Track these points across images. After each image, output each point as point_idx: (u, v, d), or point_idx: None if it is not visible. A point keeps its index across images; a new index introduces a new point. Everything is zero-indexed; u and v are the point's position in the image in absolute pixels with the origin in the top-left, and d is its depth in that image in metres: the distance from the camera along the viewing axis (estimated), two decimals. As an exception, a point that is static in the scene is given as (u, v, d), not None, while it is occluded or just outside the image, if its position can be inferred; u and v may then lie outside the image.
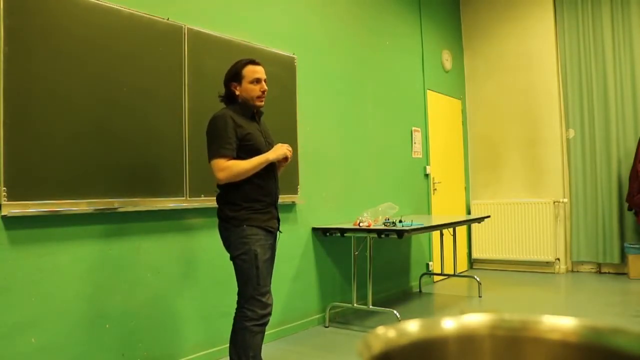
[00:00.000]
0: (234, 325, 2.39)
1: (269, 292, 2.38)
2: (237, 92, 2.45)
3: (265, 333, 2.50)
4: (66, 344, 2.48)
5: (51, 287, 2.44)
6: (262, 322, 2.35)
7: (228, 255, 2.42)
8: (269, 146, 2.48)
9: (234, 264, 2.39)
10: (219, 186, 2.42)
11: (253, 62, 2.47)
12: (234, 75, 2.45)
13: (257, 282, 2.33)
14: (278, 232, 2.54)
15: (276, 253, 2.57)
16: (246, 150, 2.37)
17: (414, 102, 5.47)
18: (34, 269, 2.39)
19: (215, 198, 2.50)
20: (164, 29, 2.95)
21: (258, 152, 2.39)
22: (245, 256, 2.33)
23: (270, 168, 2.45)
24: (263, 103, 2.48)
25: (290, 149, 2.46)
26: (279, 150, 2.41)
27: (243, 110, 2.45)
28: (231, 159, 2.32)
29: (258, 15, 3.64)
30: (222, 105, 2.52)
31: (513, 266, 6.10)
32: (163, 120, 2.92)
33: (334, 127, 4.29)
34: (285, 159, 2.47)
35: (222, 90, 2.53)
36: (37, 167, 2.37)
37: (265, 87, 2.47)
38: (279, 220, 2.55)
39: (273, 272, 2.53)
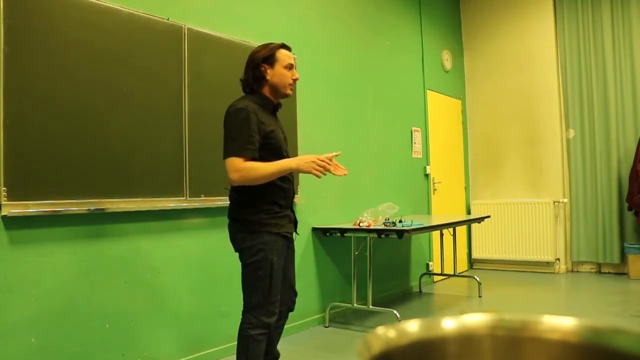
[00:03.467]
0: (239, 329, 2.27)
1: (278, 300, 2.24)
2: (268, 77, 2.22)
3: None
4: (66, 344, 2.48)
5: (51, 287, 2.44)
6: (267, 331, 2.21)
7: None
8: (286, 144, 2.30)
9: (246, 269, 2.22)
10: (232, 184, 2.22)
11: (286, 47, 2.27)
12: (267, 57, 2.21)
13: (269, 292, 2.18)
14: (295, 234, 2.40)
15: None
16: (268, 149, 2.16)
17: (414, 102, 5.47)
18: (34, 269, 2.39)
19: (227, 197, 2.31)
20: (164, 29, 2.95)
21: (279, 150, 2.20)
22: (261, 264, 2.16)
23: None
24: (291, 92, 2.29)
25: (321, 164, 2.12)
26: (306, 166, 2.12)
27: (264, 103, 2.24)
28: (250, 160, 2.10)
29: (258, 15, 3.64)
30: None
31: (513, 266, 6.10)
32: (163, 120, 2.92)
33: (333, 127, 4.29)
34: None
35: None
36: (37, 167, 2.37)
37: (298, 76, 2.29)
38: (296, 223, 2.41)
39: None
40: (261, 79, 2.23)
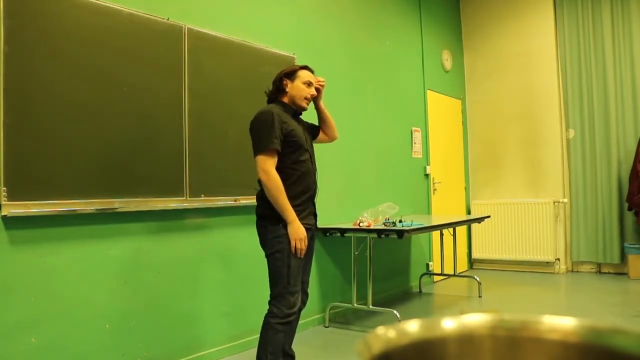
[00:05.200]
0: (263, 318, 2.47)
1: (298, 292, 2.43)
2: (287, 89, 2.54)
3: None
4: (66, 344, 2.48)
5: (51, 287, 2.44)
6: (286, 321, 2.39)
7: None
8: (308, 142, 2.56)
9: (268, 261, 2.44)
10: (259, 182, 2.44)
11: (308, 68, 2.60)
12: (289, 73, 2.56)
13: (287, 281, 2.38)
14: (315, 227, 2.60)
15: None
16: (290, 145, 2.42)
17: (414, 102, 5.47)
18: (34, 269, 2.39)
19: (255, 196, 2.55)
20: (164, 29, 2.95)
21: (300, 148, 2.46)
22: (279, 254, 2.38)
23: (310, 161, 2.52)
24: (307, 106, 2.59)
25: (301, 246, 2.38)
26: (294, 234, 2.36)
27: (284, 108, 2.53)
28: (276, 154, 2.38)
29: (258, 15, 3.64)
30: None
31: (513, 266, 6.10)
32: (163, 120, 2.92)
33: (334, 127, 4.29)
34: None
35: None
36: (37, 167, 2.37)
37: (315, 93, 2.59)
38: (316, 216, 2.60)
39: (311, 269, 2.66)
40: (282, 91, 2.56)
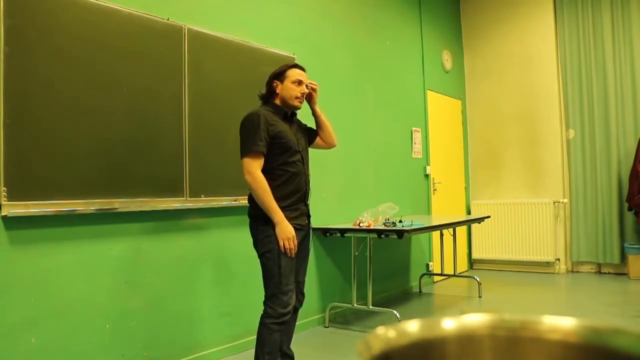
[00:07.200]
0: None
1: (291, 290, 2.43)
2: (277, 90, 2.53)
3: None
4: (66, 344, 2.48)
5: (51, 287, 2.44)
6: (281, 320, 2.39)
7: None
8: (300, 145, 2.54)
9: (260, 261, 2.45)
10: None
11: (298, 67, 2.58)
12: (278, 74, 2.55)
13: (279, 281, 2.39)
14: (309, 228, 2.62)
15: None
16: (279, 147, 2.43)
17: (414, 102, 5.47)
18: (34, 269, 2.39)
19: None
20: (164, 29, 2.95)
21: (290, 150, 2.46)
22: (269, 254, 2.40)
23: (301, 162, 2.52)
24: (301, 105, 2.57)
25: (289, 245, 2.38)
26: (282, 234, 2.36)
27: (276, 110, 2.52)
28: (262, 156, 2.38)
29: (258, 15, 3.64)
30: (252, 105, 2.57)
31: (513, 266, 6.10)
32: (163, 120, 2.92)
33: (333, 127, 4.27)
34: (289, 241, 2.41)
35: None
36: (37, 167, 2.37)
37: (306, 90, 2.57)
38: (309, 217, 2.61)
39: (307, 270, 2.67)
40: (273, 92, 2.55)
